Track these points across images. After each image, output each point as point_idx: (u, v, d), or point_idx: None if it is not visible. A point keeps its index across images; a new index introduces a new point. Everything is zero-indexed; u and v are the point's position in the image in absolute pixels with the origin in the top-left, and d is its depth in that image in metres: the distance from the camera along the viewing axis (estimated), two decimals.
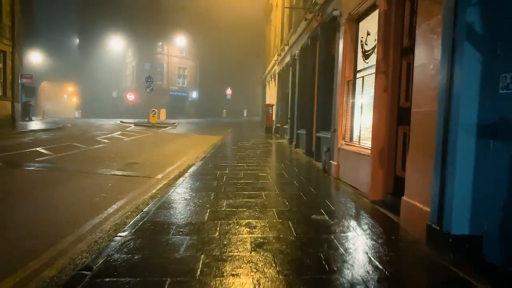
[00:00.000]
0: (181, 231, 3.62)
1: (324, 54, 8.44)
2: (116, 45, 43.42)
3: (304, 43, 10.47)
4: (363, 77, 5.88)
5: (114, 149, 10.71)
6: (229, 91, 41.25)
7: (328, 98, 8.31)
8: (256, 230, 3.71)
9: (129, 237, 3.41)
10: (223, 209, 4.47)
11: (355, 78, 6.45)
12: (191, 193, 5.30)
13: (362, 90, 5.88)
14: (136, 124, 23.75)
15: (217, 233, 3.59)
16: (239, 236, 3.53)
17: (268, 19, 23.60)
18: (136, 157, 9.37)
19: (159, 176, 6.97)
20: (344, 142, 6.56)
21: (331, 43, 8.24)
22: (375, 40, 5.63)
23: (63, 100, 65.10)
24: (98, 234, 3.76)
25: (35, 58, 48.61)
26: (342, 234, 3.64)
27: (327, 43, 8.32)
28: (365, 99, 5.89)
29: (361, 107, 5.95)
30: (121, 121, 26.61)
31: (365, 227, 3.91)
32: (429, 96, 3.53)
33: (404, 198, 3.94)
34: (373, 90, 5.51)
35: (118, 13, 43.59)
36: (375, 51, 5.60)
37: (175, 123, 26.14)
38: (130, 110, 42.48)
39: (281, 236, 3.56)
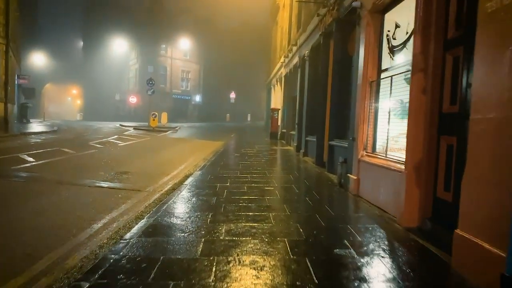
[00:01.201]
0: (165, 273, 2.71)
1: (340, 52, 7.53)
2: (119, 47, 42.90)
3: (315, 42, 9.58)
4: (391, 76, 4.96)
5: (106, 156, 9.83)
6: (233, 95, 40.47)
7: (343, 102, 7.41)
8: (264, 273, 2.78)
9: (96, 283, 2.50)
10: (221, 237, 3.55)
11: (379, 78, 5.54)
12: (184, 213, 4.38)
13: (391, 92, 4.96)
14: (135, 128, 22.90)
15: (211, 277, 2.68)
16: (241, 282, 2.61)
17: (274, 21, 22.79)
18: (129, 165, 8.48)
19: (150, 189, 6.06)
20: (366, 153, 5.62)
21: (348, 40, 7.35)
22: (406, 33, 4.72)
23: (67, 102, 64.80)
24: (49, 282, 2.84)
25: (39, 60, 48.21)
26: (378, 282, 2.70)
27: (343, 40, 7.42)
28: (393, 103, 4.97)
29: (389, 112, 5.02)
30: (120, 125, 25.80)
31: (406, 269, 2.96)
32: (499, 98, 2.61)
33: (458, 232, 2.99)
34: (403, 92, 4.62)
35: (122, 16, 43.17)
36: (407, 45, 4.70)
37: (176, 127, 25.30)
38: (132, 114, 41.82)
39: (297, 283, 2.64)
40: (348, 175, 6.07)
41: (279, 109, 18.03)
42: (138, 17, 42.24)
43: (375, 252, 3.32)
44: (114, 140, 14.35)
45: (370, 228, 4.08)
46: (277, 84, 20.38)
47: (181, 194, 5.43)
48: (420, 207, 4.02)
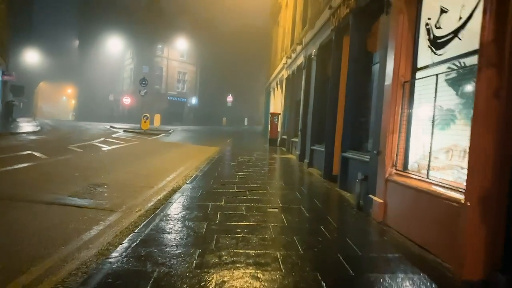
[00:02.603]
0: None
1: (357, 49, 6.45)
2: (115, 46, 41.75)
3: (325, 38, 8.51)
4: (437, 74, 3.86)
5: (83, 162, 8.61)
6: (230, 98, 39.37)
7: (361, 107, 6.32)
8: None
9: None
10: None
11: (414, 78, 4.44)
12: (162, 251, 3.23)
13: (435, 95, 3.85)
14: (125, 130, 21.63)
15: None
16: None
17: (275, 22, 21.77)
18: (108, 174, 7.31)
19: (124, 208, 4.90)
20: (396, 171, 4.51)
21: (368, 35, 6.28)
22: (459, 18, 3.63)
23: (61, 101, 63.42)
24: None
25: (32, 57, 46.92)
26: None
27: (362, 34, 6.35)
28: (437, 109, 3.86)
29: (432, 121, 3.91)
30: (111, 126, 24.51)
31: None
32: None
33: None
34: (449, 94, 3.54)
35: (118, 14, 42.06)
36: (462, 34, 3.60)
37: (169, 130, 24.08)
38: (126, 115, 40.50)
39: None
40: (371, 196, 4.95)
41: (279, 114, 16.93)
42: (135, 16, 41.12)
43: None
44: (98, 143, 13.09)
45: (415, 279, 2.94)
46: (277, 87, 19.31)
47: (162, 217, 4.27)
48: (488, 253, 2.91)
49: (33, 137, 14.59)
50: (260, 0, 29.33)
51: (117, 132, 20.44)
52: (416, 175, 4.14)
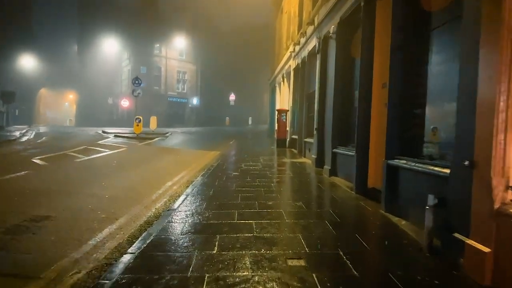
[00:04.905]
0: None
1: (405, 11, 4.46)
2: (113, 48, 39.98)
3: (348, 9, 6.52)
4: None
5: (37, 182, 6.60)
6: (232, 97, 37.35)
7: (416, 93, 4.33)
8: None
9: None
10: None
11: None
12: None
13: None
14: (116, 135, 19.68)
15: None
16: None
17: (278, 8, 19.75)
18: (62, 199, 5.40)
19: (52, 272, 2.96)
20: None
21: None
22: None
23: (64, 107, 62.32)
24: None
25: (32, 64, 45.62)
26: None
27: None
28: None
29: None
30: (103, 131, 22.64)
31: None
32: None
33: None
34: None
35: (115, 14, 40.35)
36: None
37: (167, 133, 22.13)
38: (126, 118, 38.73)
39: None
40: (459, 237, 2.97)
41: (288, 111, 14.91)
42: (132, 16, 39.33)
43: None
44: (74, 153, 11.11)
45: None
46: (283, 81, 17.31)
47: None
48: None
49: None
50: None
51: (107, 137, 18.50)
52: None
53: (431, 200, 3.34)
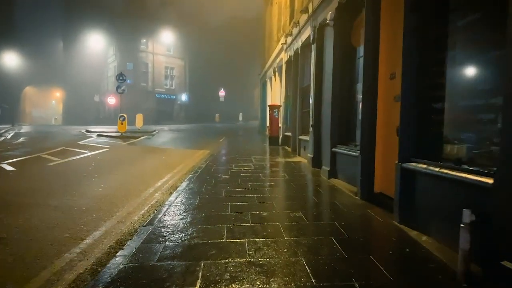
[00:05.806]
0: None
1: None
2: (99, 45, 38.69)
3: None
4: None
5: None
6: (222, 93, 36.51)
7: (433, 82, 3.67)
8: None
9: None
10: None
11: None
12: None
13: None
14: (99, 135, 18.69)
15: None
16: None
17: (268, 0, 18.96)
18: (19, 213, 4.61)
19: None
20: None
21: None
22: None
23: (51, 106, 60.43)
24: None
25: (15, 61, 43.86)
26: None
27: None
28: None
29: None
30: (86, 130, 21.60)
31: None
32: None
33: None
34: None
35: (100, 9, 38.93)
36: None
37: (154, 131, 21.23)
38: (113, 116, 37.53)
39: None
40: (506, 265, 2.31)
41: (280, 106, 14.20)
42: (118, 10, 38.01)
43: None
44: (50, 155, 10.21)
45: None
46: (274, 76, 16.58)
47: None
48: None
49: None
50: None
51: (90, 137, 17.51)
52: None
53: (467, 216, 2.67)
